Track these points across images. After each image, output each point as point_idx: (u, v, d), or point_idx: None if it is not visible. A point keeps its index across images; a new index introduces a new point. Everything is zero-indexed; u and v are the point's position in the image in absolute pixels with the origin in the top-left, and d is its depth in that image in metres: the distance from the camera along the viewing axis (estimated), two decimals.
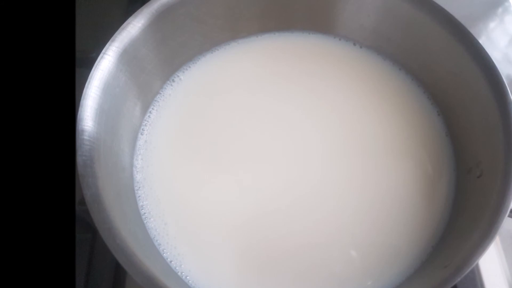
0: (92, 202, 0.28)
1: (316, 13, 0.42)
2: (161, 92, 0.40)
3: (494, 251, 0.43)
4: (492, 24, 0.54)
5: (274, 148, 0.38)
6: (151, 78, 0.38)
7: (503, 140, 0.32)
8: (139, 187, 0.36)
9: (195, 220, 0.35)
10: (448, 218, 0.36)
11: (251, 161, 0.37)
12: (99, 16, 0.47)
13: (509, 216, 0.30)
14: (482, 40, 0.43)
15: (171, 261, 0.34)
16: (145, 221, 0.35)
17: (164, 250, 0.34)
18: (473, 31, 0.35)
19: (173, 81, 0.41)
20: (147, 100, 0.39)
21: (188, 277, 0.33)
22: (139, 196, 0.36)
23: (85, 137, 0.30)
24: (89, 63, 0.32)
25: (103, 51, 0.33)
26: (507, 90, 0.33)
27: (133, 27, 0.34)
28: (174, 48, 0.39)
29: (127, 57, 0.34)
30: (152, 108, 0.39)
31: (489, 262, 0.42)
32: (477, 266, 0.41)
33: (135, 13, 0.35)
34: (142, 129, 0.38)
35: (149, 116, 0.39)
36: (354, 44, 0.43)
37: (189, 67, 0.41)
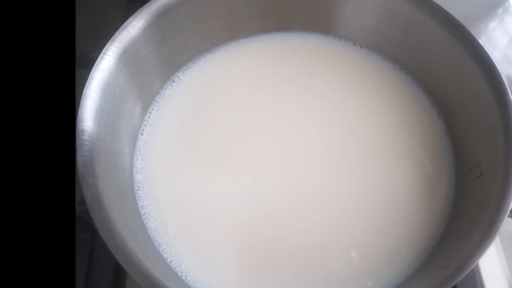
0: (92, 202, 0.28)
1: (316, 13, 0.42)
2: (161, 93, 0.40)
3: (494, 251, 0.43)
4: (492, 24, 0.54)
5: (274, 148, 0.38)
6: (151, 78, 0.38)
7: (503, 140, 0.32)
8: (139, 188, 0.36)
9: (195, 220, 0.35)
10: (448, 218, 0.36)
11: (251, 161, 0.37)
12: (99, 16, 0.47)
13: (509, 216, 0.30)
14: (482, 40, 0.42)
15: (171, 261, 0.34)
16: (145, 221, 0.35)
17: (164, 250, 0.34)
18: (473, 31, 0.35)
19: (173, 81, 0.41)
20: (147, 100, 0.39)
21: (188, 277, 0.33)
22: (139, 196, 0.36)
23: (85, 138, 0.30)
24: (89, 63, 0.32)
25: (103, 51, 0.33)
26: (507, 90, 0.33)
27: (133, 27, 0.34)
28: (174, 48, 0.39)
29: (127, 57, 0.34)
30: (152, 108, 0.39)
31: (489, 262, 0.42)
32: (477, 266, 0.41)
33: (135, 13, 0.35)
34: (142, 129, 0.38)
35: (149, 117, 0.39)
36: (354, 44, 0.43)
37: (189, 67, 0.41)
